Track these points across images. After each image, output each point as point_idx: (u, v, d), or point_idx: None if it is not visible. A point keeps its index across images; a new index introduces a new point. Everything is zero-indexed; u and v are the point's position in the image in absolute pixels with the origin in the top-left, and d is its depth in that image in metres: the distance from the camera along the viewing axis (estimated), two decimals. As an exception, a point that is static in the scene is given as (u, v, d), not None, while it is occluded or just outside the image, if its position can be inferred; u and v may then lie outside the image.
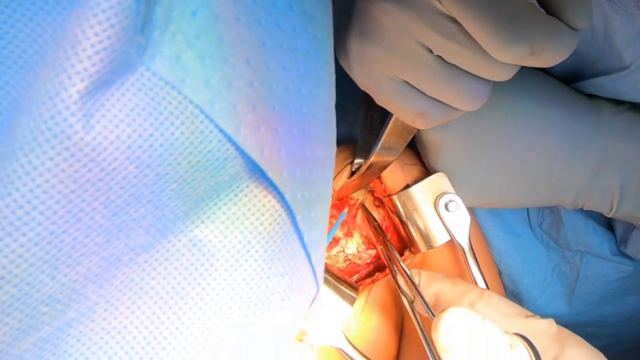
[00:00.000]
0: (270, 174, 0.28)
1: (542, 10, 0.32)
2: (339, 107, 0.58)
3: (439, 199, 0.49)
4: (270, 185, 0.28)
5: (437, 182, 0.50)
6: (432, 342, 0.34)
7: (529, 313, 0.40)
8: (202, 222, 0.28)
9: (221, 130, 0.26)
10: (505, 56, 0.32)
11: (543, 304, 0.58)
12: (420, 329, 0.42)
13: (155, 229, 0.27)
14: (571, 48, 0.33)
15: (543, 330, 0.39)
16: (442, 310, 0.31)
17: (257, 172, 0.28)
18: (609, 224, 0.57)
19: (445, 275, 0.43)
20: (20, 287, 0.24)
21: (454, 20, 0.33)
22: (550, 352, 0.38)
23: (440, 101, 0.38)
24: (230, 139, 0.27)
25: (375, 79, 0.38)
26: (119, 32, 0.23)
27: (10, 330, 0.25)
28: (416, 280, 0.44)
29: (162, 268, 0.27)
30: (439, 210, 0.49)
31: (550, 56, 0.32)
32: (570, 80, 0.50)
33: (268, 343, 0.30)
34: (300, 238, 0.30)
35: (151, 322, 0.27)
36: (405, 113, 0.39)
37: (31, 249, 0.24)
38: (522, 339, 0.31)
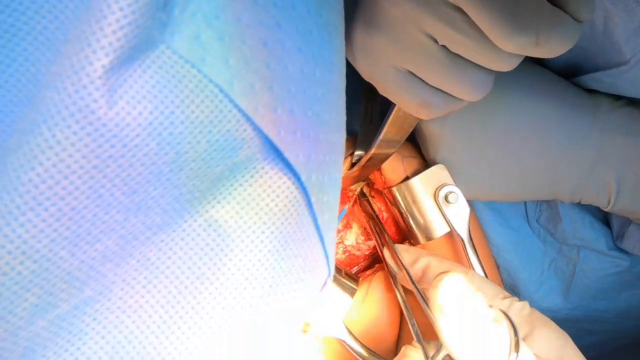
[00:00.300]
0: (286, 155, 0.28)
1: (547, 1, 0.33)
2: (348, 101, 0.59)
3: (439, 190, 0.50)
4: (286, 167, 0.29)
5: (436, 173, 0.50)
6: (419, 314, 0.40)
7: (507, 294, 0.43)
8: (219, 202, 0.28)
9: (240, 110, 0.27)
10: (510, 46, 0.32)
11: (539, 298, 0.59)
12: (404, 301, 0.45)
13: (172, 208, 0.27)
14: (574, 39, 0.33)
15: (517, 311, 0.42)
16: (445, 272, 0.32)
17: (273, 153, 0.28)
18: (605, 219, 0.58)
19: (432, 252, 0.45)
20: (40, 262, 0.24)
21: (459, 10, 0.33)
22: (521, 331, 0.40)
23: (443, 91, 0.38)
24: (248, 119, 0.27)
25: (380, 69, 0.38)
26: (142, 7, 0.23)
27: (29, 306, 0.25)
28: (404, 258, 0.46)
29: (178, 248, 0.27)
30: (438, 201, 0.50)
31: (554, 47, 0.33)
32: (570, 74, 0.50)
33: (281, 324, 0.31)
34: (314, 220, 0.30)
35: (167, 302, 0.27)
36: (409, 103, 0.40)
37: (52, 224, 0.24)
38: (505, 317, 0.32)
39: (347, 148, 0.51)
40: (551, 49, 0.33)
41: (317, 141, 0.30)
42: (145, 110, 0.25)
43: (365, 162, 0.49)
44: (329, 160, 0.31)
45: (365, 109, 0.51)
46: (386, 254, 0.47)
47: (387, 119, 0.45)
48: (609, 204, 0.49)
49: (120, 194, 0.25)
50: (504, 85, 0.48)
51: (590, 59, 0.48)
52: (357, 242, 0.54)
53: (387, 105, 0.44)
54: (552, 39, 0.32)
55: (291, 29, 0.29)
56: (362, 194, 0.55)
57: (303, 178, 0.29)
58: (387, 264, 0.48)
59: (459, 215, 0.50)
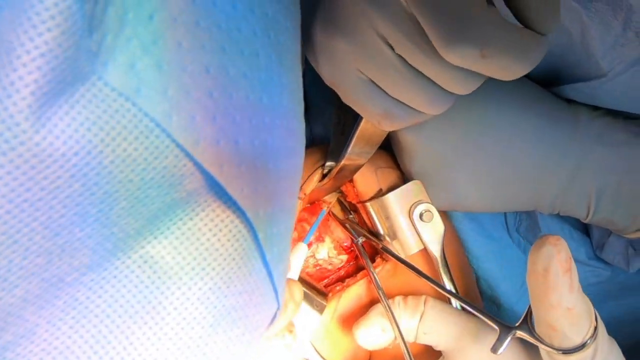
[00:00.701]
0: (229, 191, 0.27)
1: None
2: (314, 107, 0.58)
3: (414, 208, 0.49)
4: (231, 202, 0.27)
5: (412, 190, 0.49)
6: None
7: (467, 313, 0.46)
8: (155, 237, 0.27)
9: (178, 145, 0.25)
10: (452, 56, 0.30)
11: (521, 309, 0.55)
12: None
13: (103, 248, 0.26)
14: (532, 57, 0.31)
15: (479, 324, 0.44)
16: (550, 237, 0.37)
17: (216, 188, 0.27)
18: (585, 229, 0.57)
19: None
20: None
21: (414, 19, 0.32)
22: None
23: (404, 102, 0.37)
24: (187, 154, 0.26)
25: (341, 75, 0.37)
26: (59, 36, 0.22)
27: None
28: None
29: (109, 286, 0.26)
30: (413, 219, 0.49)
31: (506, 63, 0.31)
32: (549, 83, 0.49)
33: None
34: (262, 256, 0.29)
35: (97, 342, 0.26)
36: (370, 113, 0.38)
37: None
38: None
39: (318, 158, 0.51)
40: (502, 65, 0.31)
41: (265, 171, 0.29)
42: (70, 151, 0.23)
43: (336, 174, 0.48)
44: (280, 189, 0.30)
45: (337, 118, 0.50)
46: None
47: (355, 129, 0.43)
48: (588, 215, 0.48)
49: (39, 238, 0.24)
50: (482, 93, 0.46)
51: (569, 70, 0.47)
52: (329, 256, 0.53)
53: (358, 114, 0.43)
54: (501, 53, 0.30)
55: (236, 53, 0.27)
56: (338, 201, 0.54)
57: (249, 214, 0.28)
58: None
59: (433, 234, 0.49)
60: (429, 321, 0.46)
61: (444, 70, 0.33)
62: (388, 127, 0.39)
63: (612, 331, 0.59)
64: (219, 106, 0.26)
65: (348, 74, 0.36)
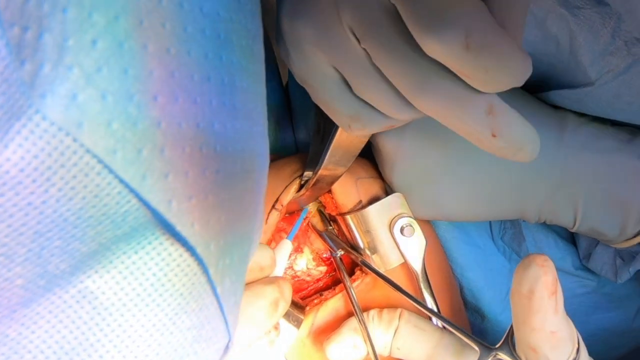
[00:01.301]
0: (178, 228, 0.26)
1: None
2: (298, 112, 0.56)
3: (395, 221, 0.48)
4: (179, 237, 0.26)
5: (393, 203, 0.48)
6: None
7: (443, 330, 0.45)
8: (96, 272, 0.25)
9: (122, 181, 0.24)
10: (432, 43, 0.26)
11: (505, 319, 0.57)
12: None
13: (35, 285, 0.24)
14: (521, 67, 0.27)
15: (453, 342, 0.44)
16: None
17: (163, 224, 0.26)
18: (571, 238, 0.57)
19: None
20: None
21: (386, 5, 0.28)
22: None
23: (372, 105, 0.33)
24: (132, 190, 0.24)
25: (309, 70, 0.34)
26: None
27: None
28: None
29: (44, 322, 0.25)
30: (393, 234, 0.48)
31: (490, 64, 0.26)
32: (535, 89, 0.48)
33: None
34: (213, 289, 0.28)
35: None
36: (339, 114, 0.35)
37: None
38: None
39: (297, 168, 0.50)
40: (485, 65, 0.26)
41: (217, 202, 0.27)
42: None
43: (313, 184, 0.47)
44: (234, 218, 0.29)
45: (317, 125, 0.48)
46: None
47: (332, 137, 0.42)
48: (574, 224, 0.48)
49: None
50: None
51: (557, 76, 0.45)
52: (307, 268, 0.52)
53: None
54: (486, 49, 0.26)
55: (186, 78, 0.26)
56: (319, 212, 0.53)
57: (199, 250, 0.26)
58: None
59: (415, 249, 0.48)
60: (403, 336, 0.45)
61: (413, 69, 0.29)
62: (358, 132, 0.36)
63: (598, 343, 0.58)
64: (168, 137, 0.25)
65: (316, 68, 0.33)
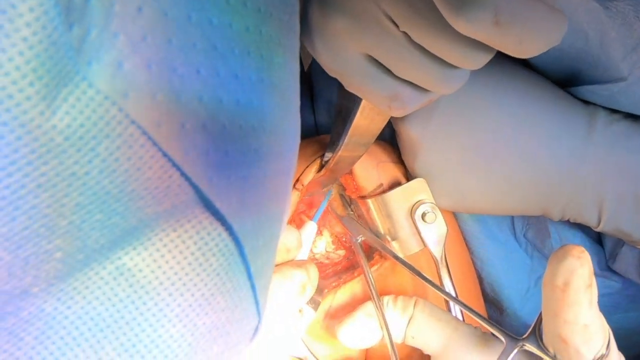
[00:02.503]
0: (217, 204, 0.26)
1: None
2: (320, 96, 0.57)
3: (416, 207, 0.48)
4: (217, 216, 0.26)
5: (415, 188, 0.48)
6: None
7: (459, 320, 0.45)
8: (134, 248, 0.25)
9: (165, 155, 0.24)
10: (462, 23, 0.27)
11: (524, 315, 0.57)
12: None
13: (74, 259, 0.25)
14: (550, 33, 0.28)
15: (468, 333, 0.44)
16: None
17: (204, 200, 0.26)
18: (598, 237, 0.56)
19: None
20: None
21: None
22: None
23: (413, 82, 0.35)
24: (175, 165, 0.24)
25: (341, 57, 0.35)
26: (43, 33, 0.20)
27: None
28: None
29: (80, 297, 0.25)
30: (414, 219, 0.48)
31: (521, 34, 0.27)
32: (566, 83, 0.48)
33: None
34: (247, 269, 0.28)
35: (62, 354, 0.25)
36: (377, 96, 0.36)
37: None
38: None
39: (317, 149, 0.50)
40: (516, 37, 0.27)
41: (254, 180, 0.28)
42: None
43: (333, 165, 0.48)
44: (268, 197, 0.29)
45: (339, 107, 0.49)
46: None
47: (352, 118, 0.42)
48: (599, 223, 0.47)
49: (0, 251, 0.23)
50: (494, 89, 0.46)
51: (587, 71, 0.45)
52: (326, 251, 0.53)
53: (356, 104, 0.42)
54: (515, 21, 0.27)
55: (227, 52, 0.26)
56: (340, 196, 0.53)
57: (236, 228, 0.27)
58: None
59: (435, 236, 0.48)
60: (418, 325, 0.45)
61: (450, 44, 0.30)
62: (399, 112, 0.37)
63: (618, 342, 0.57)
64: (209, 111, 0.25)
65: (350, 56, 0.34)
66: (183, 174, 0.25)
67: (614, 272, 0.55)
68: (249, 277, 0.29)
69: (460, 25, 0.28)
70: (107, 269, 0.25)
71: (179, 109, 0.24)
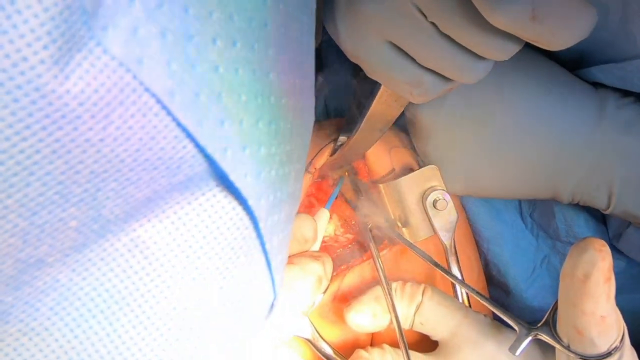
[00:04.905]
0: (232, 177, 0.24)
1: None
2: (331, 80, 0.55)
3: (428, 194, 0.47)
4: (232, 189, 0.25)
5: (427, 175, 0.47)
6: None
7: (467, 307, 0.45)
8: (149, 220, 0.24)
9: (179, 125, 0.23)
10: (499, 18, 0.28)
11: (530, 296, 0.55)
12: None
13: (89, 229, 0.24)
14: (583, 25, 0.28)
15: (477, 321, 0.43)
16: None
17: (218, 173, 0.25)
18: (602, 217, 0.55)
19: None
20: None
21: None
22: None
23: (436, 71, 0.35)
24: (189, 135, 0.23)
25: (365, 44, 0.34)
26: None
27: None
28: None
29: (95, 269, 0.24)
30: (426, 206, 0.47)
31: (556, 28, 0.28)
32: (577, 64, 0.46)
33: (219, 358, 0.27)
34: (262, 244, 0.27)
35: (77, 325, 0.24)
36: (399, 83, 0.36)
37: None
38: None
39: (332, 132, 0.49)
40: (551, 31, 0.28)
41: (268, 155, 0.26)
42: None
43: (347, 149, 0.47)
44: (284, 174, 0.28)
45: (355, 90, 0.48)
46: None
47: (370, 103, 0.41)
48: (609, 206, 0.46)
49: (14, 217, 0.22)
50: (505, 75, 0.44)
51: (601, 50, 0.44)
52: (335, 234, 0.51)
53: (374, 88, 0.41)
54: (552, 16, 0.27)
55: (244, 22, 0.24)
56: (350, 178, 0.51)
57: (251, 202, 0.25)
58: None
59: (446, 222, 0.47)
60: (426, 312, 0.44)
61: (481, 36, 0.30)
62: (420, 99, 0.37)
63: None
64: (225, 82, 0.24)
65: (374, 43, 0.34)
66: (197, 145, 0.23)
67: (619, 252, 0.53)
68: (264, 252, 0.28)
69: (497, 19, 0.28)
70: (122, 241, 0.24)
71: (193, 78, 0.22)
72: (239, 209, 0.25)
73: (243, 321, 0.28)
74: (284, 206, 0.28)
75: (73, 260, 0.24)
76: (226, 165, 0.24)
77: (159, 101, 0.22)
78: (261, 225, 0.26)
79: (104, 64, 0.20)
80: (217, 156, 0.24)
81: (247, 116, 0.25)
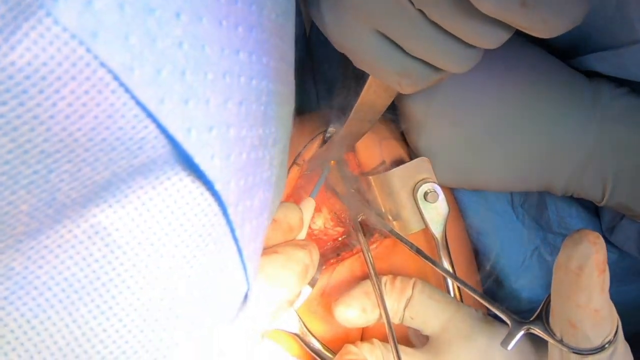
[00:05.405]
0: (197, 159, 0.23)
1: None
2: (320, 70, 0.53)
3: (419, 186, 0.46)
4: (198, 173, 0.23)
5: (418, 167, 0.46)
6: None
7: (459, 302, 0.44)
8: (110, 206, 0.22)
9: (138, 103, 0.21)
10: (488, 4, 0.27)
11: (520, 287, 0.54)
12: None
13: (42, 214, 0.22)
14: (575, 12, 0.27)
15: (469, 315, 0.42)
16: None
17: (183, 155, 0.23)
18: (595, 209, 0.54)
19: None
20: None
21: None
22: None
23: (424, 61, 0.33)
24: (149, 114, 0.21)
25: (352, 33, 0.33)
26: None
27: None
28: None
29: (52, 256, 0.22)
30: (417, 198, 0.46)
31: (547, 15, 0.27)
32: (571, 53, 0.45)
33: (188, 355, 0.26)
34: (232, 231, 0.25)
35: (34, 316, 0.23)
36: (387, 73, 0.35)
37: None
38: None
39: (321, 124, 0.48)
40: (542, 17, 0.27)
41: (239, 137, 0.25)
42: None
43: (337, 140, 0.46)
44: (256, 158, 0.26)
45: (342, 82, 0.47)
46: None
47: (358, 94, 0.41)
48: (603, 199, 0.45)
49: None
50: (497, 66, 0.44)
51: (597, 37, 0.42)
52: (325, 227, 0.49)
53: (362, 79, 0.40)
54: (542, 2, 0.26)
55: None
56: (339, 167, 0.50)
57: (218, 186, 0.24)
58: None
59: (437, 215, 0.46)
60: (416, 306, 0.43)
61: (469, 23, 0.29)
62: (408, 89, 0.36)
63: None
64: (189, 59, 0.22)
65: (361, 32, 0.33)
66: (159, 125, 0.22)
67: (611, 244, 0.52)
68: (235, 240, 0.26)
69: (485, 5, 0.27)
70: (81, 227, 0.22)
71: (154, 53, 0.21)
72: (207, 194, 0.24)
73: (212, 310, 0.26)
74: (258, 192, 0.27)
75: (27, 247, 0.22)
76: (190, 147, 0.22)
77: (116, 77, 0.20)
78: (230, 211, 0.25)
79: (54, 36, 0.19)
80: (179, 136, 0.22)
81: (214, 96, 0.23)
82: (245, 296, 0.28)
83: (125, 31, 0.20)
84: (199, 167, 0.23)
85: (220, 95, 0.23)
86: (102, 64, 0.20)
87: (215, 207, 0.24)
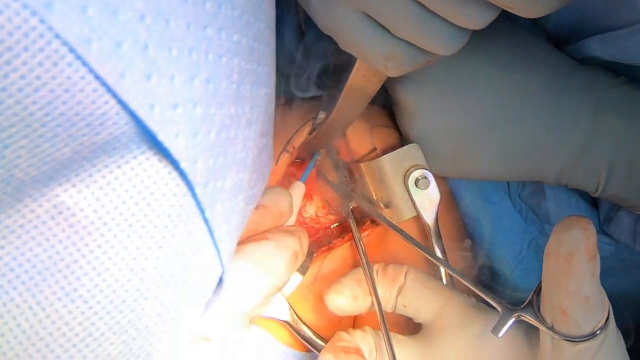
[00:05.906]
0: (161, 137, 0.22)
1: None
2: (312, 55, 0.52)
3: (410, 173, 0.45)
4: (164, 151, 0.22)
5: (409, 154, 0.45)
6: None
7: (452, 289, 0.43)
8: (74, 185, 0.21)
9: (98, 77, 0.20)
10: None
11: (516, 277, 0.53)
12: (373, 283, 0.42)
13: (2, 191, 0.21)
14: None
15: (462, 303, 0.41)
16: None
17: (146, 133, 0.22)
18: (594, 201, 0.53)
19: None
20: None
21: None
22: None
23: (412, 43, 0.33)
24: (109, 90, 0.20)
25: (337, 14, 0.33)
26: None
27: None
28: None
29: (14, 237, 0.21)
30: (408, 185, 0.45)
31: None
32: (568, 40, 0.44)
33: (160, 340, 0.25)
34: (201, 212, 0.24)
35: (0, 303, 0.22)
36: (373, 56, 0.34)
37: None
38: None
39: (310, 111, 0.47)
40: None
41: (207, 115, 0.23)
42: None
43: (326, 127, 0.44)
44: (228, 138, 0.25)
45: (333, 67, 0.46)
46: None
47: (347, 79, 0.40)
48: (597, 189, 0.44)
49: None
50: (490, 54, 0.43)
51: (597, 21, 0.42)
52: (317, 215, 0.48)
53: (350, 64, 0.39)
54: None
55: None
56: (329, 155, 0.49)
57: (183, 165, 0.23)
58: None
59: (428, 202, 0.46)
60: (409, 294, 0.42)
61: (456, 4, 0.29)
62: (395, 72, 0.35)
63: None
64: (153, 33, 0.21)
65: (346, 14, 0.32)
66: (120, 101, 0.21)
67: (609, 236, 0.51)
68: (205, 221, 0.25)
69: None
70: (44, 207, 0.21)
71: (115, 26, 0.20)
72: (175, 174, 0.23)
73: (183, 293, 0.25)
74: (230, 173, 0.26)
75: None
76: (153, 124, 0.21)
77: (72, 50, 0.19)
78: (198, 191, 0.24)
79: (4, 5, 0.18)
80: (142, 113, 0.21)
81: (180, 72, 0.22)
82: (221, 280, 0.27)
83: (83, 3, 0.19)
84: (163, 145, 0.22)
85: (186, 72, 0.22)
86: (57, 36, 0.19)
87: (183, 187, 0.23)
